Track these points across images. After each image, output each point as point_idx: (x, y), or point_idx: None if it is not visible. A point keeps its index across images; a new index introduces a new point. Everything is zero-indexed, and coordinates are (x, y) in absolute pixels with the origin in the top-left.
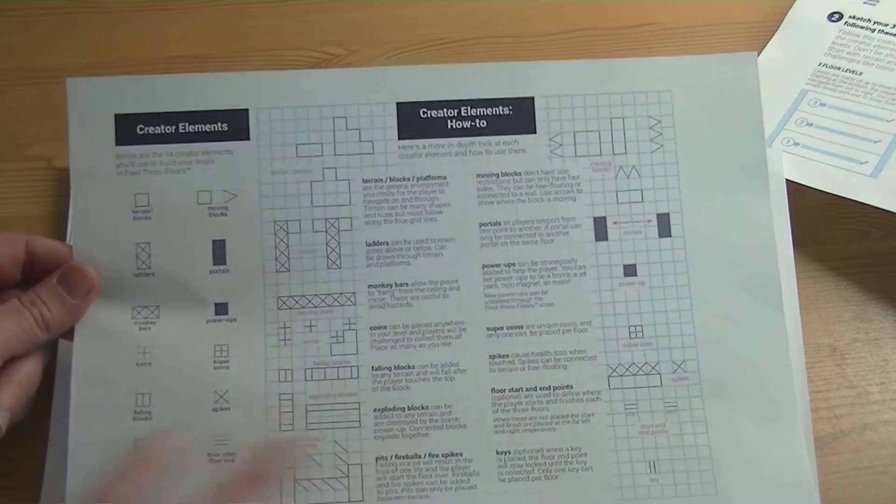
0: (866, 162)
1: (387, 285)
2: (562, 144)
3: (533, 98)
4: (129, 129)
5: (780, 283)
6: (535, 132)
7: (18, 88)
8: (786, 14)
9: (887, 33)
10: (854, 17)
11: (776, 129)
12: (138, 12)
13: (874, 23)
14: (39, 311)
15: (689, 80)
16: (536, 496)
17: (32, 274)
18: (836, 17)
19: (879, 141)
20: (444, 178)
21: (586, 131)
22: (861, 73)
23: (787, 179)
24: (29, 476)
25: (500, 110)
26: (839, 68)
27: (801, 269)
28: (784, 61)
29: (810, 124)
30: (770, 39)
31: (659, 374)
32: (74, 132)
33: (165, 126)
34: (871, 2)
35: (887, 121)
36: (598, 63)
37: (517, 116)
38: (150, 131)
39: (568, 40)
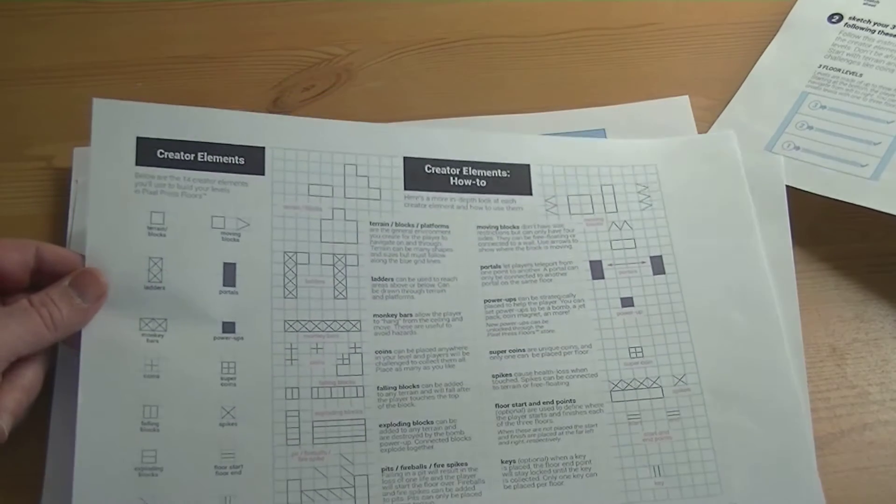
0: (867, 164)
1: (391, 315)
2: (557, 205)
3: (529, 165)
4: (149, 151)
5: (774, 299)
6: (531, 194)
7: (18, 88)
8: (786, 15)
9: (887, 34)
10: (854, 19)
11: (777, 132)
12: (139, 12)
13: (874, 24)
14: (49, 310)
15: (672, 155)
16: (542, 502)
17: (41, 280)
18: (836, 18)
19: (879, 143)
20: (447, 226)
21: (579, 195)
22: (861, 75)
23: (787, 186)
24: (29, 476)
25: (498, 173)
26: (839, 70)
27: (801, 269)
28: (784, 63)
29: (811, 127)
30: (770, 40)
31: (660, 387)
32: (97, 149)
33: (185, 153)
34: (871, 3)
35: (887, 122)
36: (588, 141)
37: (514, 179)
38: (170, 156)
39: (568, 40)
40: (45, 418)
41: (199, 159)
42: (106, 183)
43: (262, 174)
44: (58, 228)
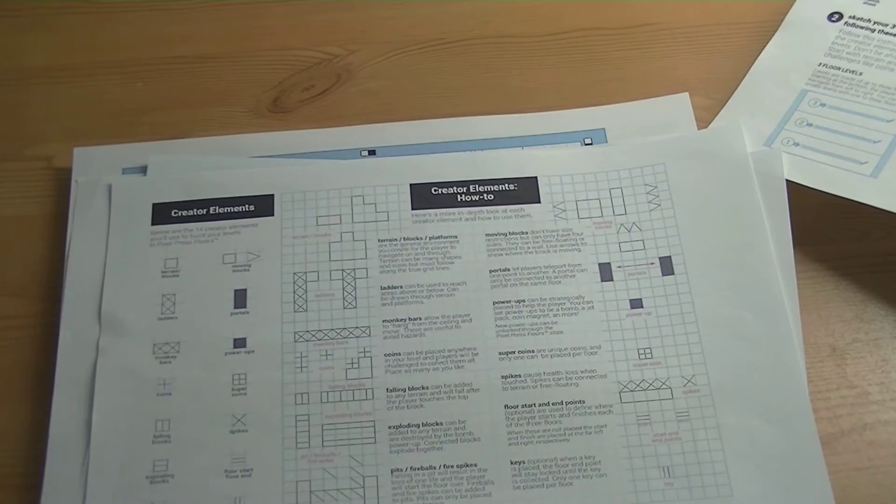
0: (866, 162)
1: (400, 320)
2: (565, 210)
3: (536, 177)
4: (164, 213)
5: (784, 299)
6: (539, 202)
7: (19, 88)
8: (786, 14)
9: (887, 33)
10: (854, 17)
11: (776, 129)
12: (139, 12)
13: (874, 23)
14: None
15: (680, 152)
16: (551, 502)
17: None
18: (836, 17)
19: (879, 141)
20: (455, 237)
21: (587, 199)
22: (861, 74)
23: (787, 180)
24: (29, 476)
25: (505, 187)
26: (839, 68)
27: (801, 269)
28: (784, 61)
29: (810, 124)
30: (770, 39)
31: (670, 388)
32: (115, 216)
33: (198, 209)
34: (871, 2)
35: (887, 121)
36: (596, 148)
37: (522, 191)
38: (184, 214)
39: (568, 40)
40: (45, 419)
41: (211, 212)
42: (123, 243)
43: (272, 215)
44: (58, 228)
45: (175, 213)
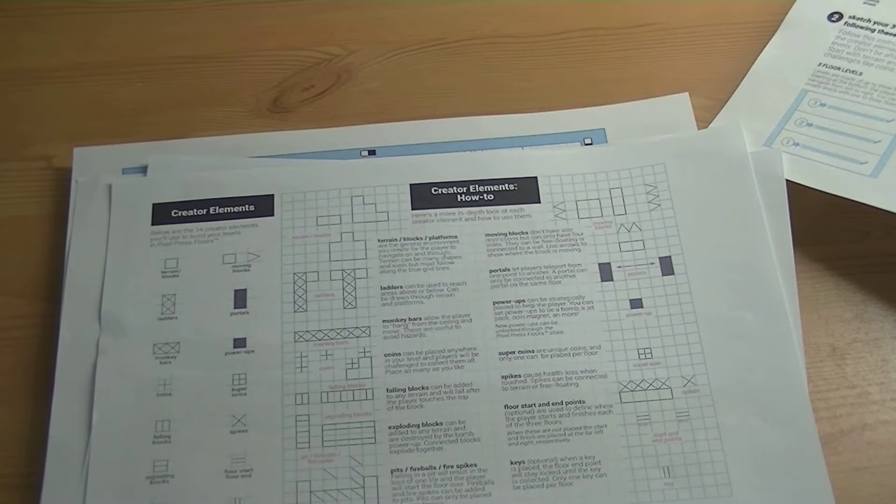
0: (866, 162)
1: (401, 320)
2: (565, 210)
3: (536, 177)
4: (164, 213)
5: (784, 299)
6: (539, 202)
7: (19, 88)
8: (786, 14)
9: (887, 33)
10: (854, 18)
11: (776, 129)
12: (139, 12)
13: (874, 23)
14: None
15: (680, 152)
16: (551, 502)
17: None
18: (836, 17)
19: (879, 141)
20: (455, 237)
21: (587, 199)
22: (861, 74)
23: (787, 180)
24: (29, 476)
25: (505, 187)
26: (839, 68)
27: (801, 269)
28: (784, 61)
29: (810, 124)
30: (770, 39)
31: (670, 388)
32: (116, 216)
33: (198, 210)
34: (871, 2)
35: (887, 121)
36: (595, 148)
37: (522, 191)
38: (184, 214)
39: (568, 40)
40: (45, 419)
41: (212, 212)
42: (123, 243)
43: (272, 216)
44: (58, 229)
45: (175, 213)
